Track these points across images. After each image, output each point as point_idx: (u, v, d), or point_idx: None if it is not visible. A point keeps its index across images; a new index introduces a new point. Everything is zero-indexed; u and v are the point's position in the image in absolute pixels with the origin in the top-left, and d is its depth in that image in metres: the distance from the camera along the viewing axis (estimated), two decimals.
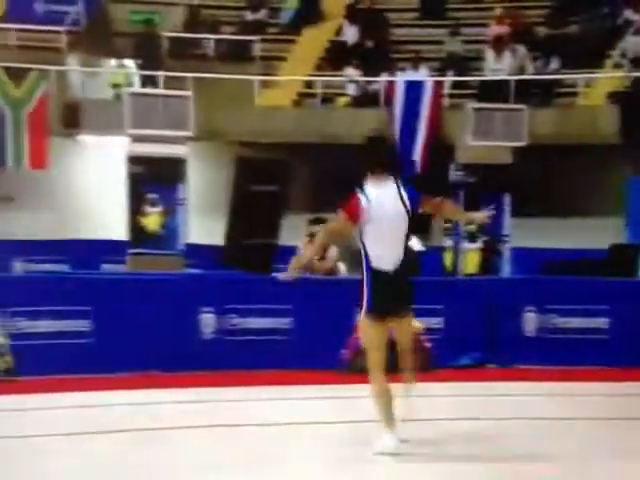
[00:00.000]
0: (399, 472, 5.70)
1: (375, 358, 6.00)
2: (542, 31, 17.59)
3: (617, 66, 16.25)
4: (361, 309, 5.95)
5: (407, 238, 5.88)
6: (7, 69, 14.04)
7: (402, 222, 5.82)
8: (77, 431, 6.53)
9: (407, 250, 5.89)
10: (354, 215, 5.79)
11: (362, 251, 5.84)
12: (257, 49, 17.25)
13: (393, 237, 5.80)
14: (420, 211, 5.93)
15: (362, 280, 5.88)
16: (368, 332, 5.98)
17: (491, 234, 11.73)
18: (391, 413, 5.90)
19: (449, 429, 6.77)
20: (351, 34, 17.72)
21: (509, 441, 6.44)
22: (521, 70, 16.34)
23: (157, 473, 5.53)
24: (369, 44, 17.45)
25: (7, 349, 8.28)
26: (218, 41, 17.46)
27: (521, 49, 16.68)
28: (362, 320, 6.02)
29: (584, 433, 6.70)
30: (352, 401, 7.61)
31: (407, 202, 5.81)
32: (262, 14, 18.42)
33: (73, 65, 16.68)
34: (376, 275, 5.80)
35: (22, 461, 5.81)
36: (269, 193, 12.20)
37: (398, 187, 5.86)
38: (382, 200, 5.78)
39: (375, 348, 5.98)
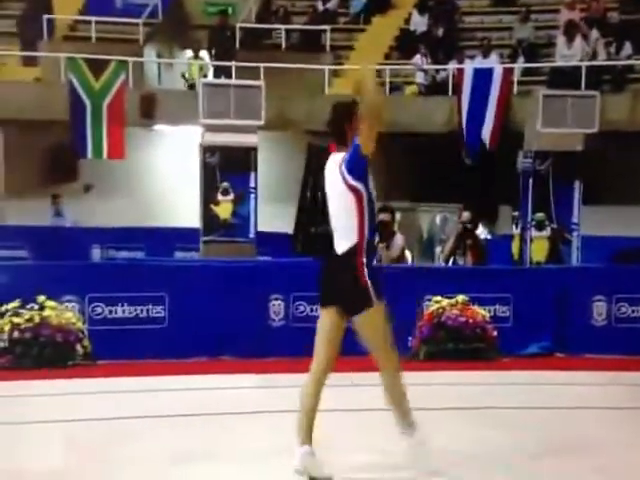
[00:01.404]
0: (458, 457, 5.59)
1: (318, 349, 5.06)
2: (615, 17, 17.22)
3: None
4: None
5: (358, 218, 4.83)
6: (87, 61, 14.24)
7: (341, 198, 4.85)
8: (151, 414, 6.60)
9: (362, 236, 4.85)
10: None
11: None
12: (328, 39, 17.22)
13: (334, 217, 4.94)
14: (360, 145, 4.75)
15: None
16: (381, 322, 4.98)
17: (560, 222, 11.51)
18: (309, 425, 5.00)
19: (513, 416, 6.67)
20: (420, 23, 17.59)
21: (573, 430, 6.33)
22: (593, 56, 16.02)
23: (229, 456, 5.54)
24: (438, 32, 17.29)
25: (85, 334, 8.38)
26: (289, 31, 17.49)
27: (594, 34, 16.32)
28: None
29: None
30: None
31: (343, 169, 4.80)
32: (332, 4, 18.40)
33: (150, 57, 16.84)
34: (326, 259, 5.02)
35: (108, 443, 5.87)
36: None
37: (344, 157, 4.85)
38: (327, 174, 4.97)
39: (319, 338, 5.04)
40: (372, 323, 4.88)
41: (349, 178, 4.78)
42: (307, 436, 4.91)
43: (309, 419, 4.94)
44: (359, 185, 4.80)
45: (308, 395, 4.98)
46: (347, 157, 4.80)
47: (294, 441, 4.96)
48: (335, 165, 4.86)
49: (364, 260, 4.84)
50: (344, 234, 4.87)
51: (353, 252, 4.84)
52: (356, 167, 4.77)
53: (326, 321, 4.98)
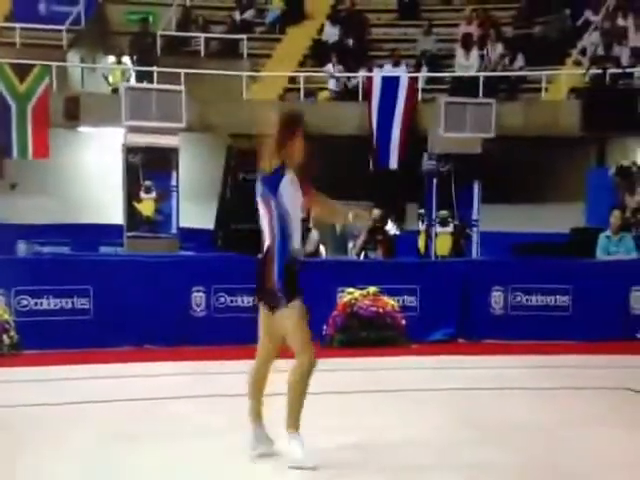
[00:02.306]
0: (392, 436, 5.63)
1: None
2: (508, 31, 17.59)
3: (577, 63, 16.29)
4: None
5: (269, 224, 4.82)
6: (12, 65, 13.94)
7: (260, 205, 4.86)
8: (75, 400, 6.47)
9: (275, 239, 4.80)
10: None
11: None
12: (245, 47, 17.19)
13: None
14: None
15: None
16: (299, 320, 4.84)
17: (461, 219, 11.72)
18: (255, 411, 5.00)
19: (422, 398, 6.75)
20: (332, 33, 17.66)
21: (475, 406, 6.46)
22: (490, 66, 16.36)
23: (157, 440, 5.45)
24: (349, 42, 17.41)
25: (12, 326, 8.18)
26: (208, 39, 17.38)
27: (489, 47, 16.67)
28: None
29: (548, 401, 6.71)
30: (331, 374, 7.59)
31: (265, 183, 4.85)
32: (249, 14, 18.32)
33: (73, 61, 16.55)
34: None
35: (36, 428, 5.72)
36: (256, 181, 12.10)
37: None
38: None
39: (259, 330, 4.98)
40: (285, 322, 4.78)
41: (262, 189, 4.89)
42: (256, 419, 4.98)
43: (259, 403, 4.98)
44: (270, 195, 4.82)
45: (256, 381, 4.99)
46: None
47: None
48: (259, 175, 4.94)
49: (275, 263, 4.77)
50: (264, 237, 4.92)
51: (266, 254, 4.84)
52: (269, 180, 4.85)
53: (261, 314, 4.95)
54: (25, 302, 8.51)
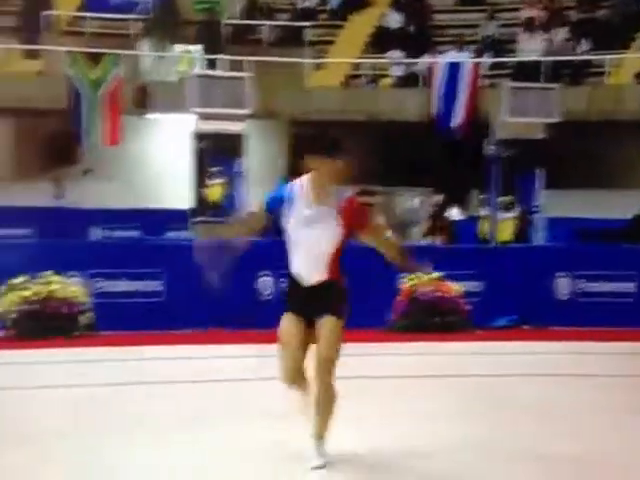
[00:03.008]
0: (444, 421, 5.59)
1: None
2: (573, 15, 17.23)
3: None
4: None
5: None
6: (84, 54, 14.10)
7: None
8: (149, 381, 6.57)
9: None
10: None
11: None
12: (308, 34, 17.11)
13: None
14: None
15: None
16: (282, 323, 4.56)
17: (524, 205, 11.54)
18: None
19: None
20: (395, 20, 17.49)
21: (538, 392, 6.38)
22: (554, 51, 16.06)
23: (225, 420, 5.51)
24: (412, 29, 17.24)
25: (87, 307, 8.34)
26: (273, 27, 17.37)
27: (553, 31, 16.36)
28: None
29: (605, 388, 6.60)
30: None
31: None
32: (313, 2, 18.25)
33: (143, 50, 16.69)
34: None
35: (109, 407, 5.84)
36: None
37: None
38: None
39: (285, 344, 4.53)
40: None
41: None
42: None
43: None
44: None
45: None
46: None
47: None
48: None
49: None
50: None
51: None
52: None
53: None
54: (100, 285, 8.67)
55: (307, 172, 4.47)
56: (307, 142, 4.56)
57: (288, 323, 4.50)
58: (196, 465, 4.57)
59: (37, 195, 14.28)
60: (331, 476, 4.36)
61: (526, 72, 15.16)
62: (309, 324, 4.49)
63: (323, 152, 4.43)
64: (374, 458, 4.73)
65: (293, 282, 4.52)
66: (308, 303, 4.46)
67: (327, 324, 4.44)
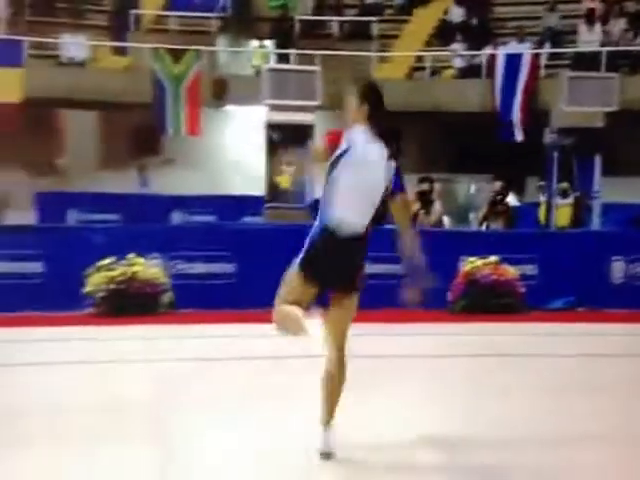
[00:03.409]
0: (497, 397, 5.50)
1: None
2: (632, 6, 16.66)
3: None
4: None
5: (377, 212, 4.22)
6: (168, 50, 14.25)
7: (378, 190, 4.20)
8: (226, 357, 6.61)
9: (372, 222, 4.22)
10: (332, 145, 4.23)
11: (323, 197, 4.22)
12: (375, 29, 16.96)
13: (365, 198, 4.18)
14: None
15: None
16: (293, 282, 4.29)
17: (582, 191, 11.25)
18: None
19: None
20: (458, 13, 17.20)
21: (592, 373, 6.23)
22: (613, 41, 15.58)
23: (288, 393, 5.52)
24: (474, 22, 16.93)
25: (169, 287, 8.44)
26: (341, 22, 17.28)
27: (612, 22, 15.87)
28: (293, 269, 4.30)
29: None
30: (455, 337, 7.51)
31: (389, 175, 4.21)
32: None
33: (221, 46, 16.78)
34: (326, 231, 4.16)
35: (189, 380, 5.90)
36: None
37: (387, 155, 4.23)
38: (367, 151, 4.19)
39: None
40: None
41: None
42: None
43: None
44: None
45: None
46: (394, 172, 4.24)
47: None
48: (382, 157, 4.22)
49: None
50: None
51: None
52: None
53: None
54: (179, 266, 8.76)
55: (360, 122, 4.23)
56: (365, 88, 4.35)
57: (299, 286, 4.20)
58: (267, 440, 4.56)
59: (124, 183, 14.48)
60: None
61: (585, 62, 14.74)
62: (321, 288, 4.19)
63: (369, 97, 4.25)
64: (459, 431, 4.70)
65: (324, 236, 4.13)
66: (333, 265, 4.13)
67: (353, 303, 4.22)
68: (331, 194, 4.16)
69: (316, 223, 4.21)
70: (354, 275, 4.23)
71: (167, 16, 17.07)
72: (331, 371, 4.26)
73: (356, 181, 4.13)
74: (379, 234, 4.42)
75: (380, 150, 4.21)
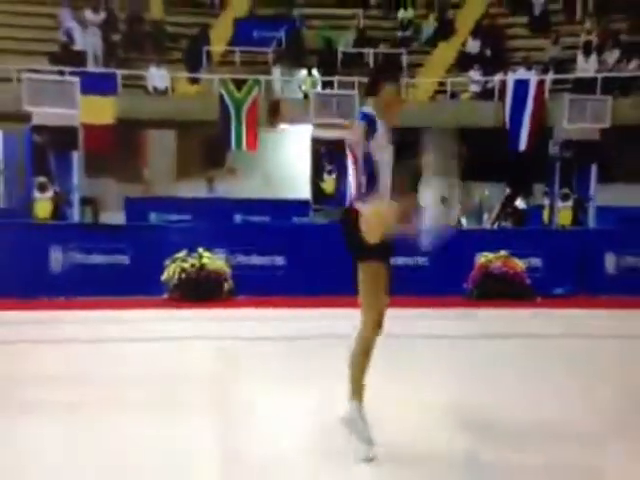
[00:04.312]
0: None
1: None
2: (624, 38, 16.14)
3: None
4: None
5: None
6: (232, 79, 14.23)
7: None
8: (279, 337, 6.49)
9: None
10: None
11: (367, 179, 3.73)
12: (405, 59, 16.72)
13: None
14: None
15: None
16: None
17: (580, 195, 10.91)
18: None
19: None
20: (474, 46, 16.85)
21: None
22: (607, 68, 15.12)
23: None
24: (488, 52, 16.57)
25: (229, 276, 8.37)
26: (376, 54, 17.06)
27: (607, 53, 15.41)
28: None
29: None
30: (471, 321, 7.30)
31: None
32: (409, 32, 17.77)
33: (276, 75, 16.72)
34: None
35: (249, 357, 5.78)
36: (411, 163, 11.83)
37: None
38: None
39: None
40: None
41: None
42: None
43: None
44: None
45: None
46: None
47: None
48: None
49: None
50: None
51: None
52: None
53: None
54: (239, 259, 8.68)
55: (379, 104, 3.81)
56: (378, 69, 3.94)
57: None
58: (315, 409, 4.43)
59: (195, 188, 14.54)
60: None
61: (583, 86, 14.37)
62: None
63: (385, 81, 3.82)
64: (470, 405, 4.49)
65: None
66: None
67: (362, 272, 3.73)
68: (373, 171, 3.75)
69: None
70: (355, 244, 3.73)
71: (232, 51, 17.04)
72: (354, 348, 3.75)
73: (385, 160, 3.81)
74: None
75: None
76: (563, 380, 5.18)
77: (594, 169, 10.99)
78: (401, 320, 6.77)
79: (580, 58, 15.67)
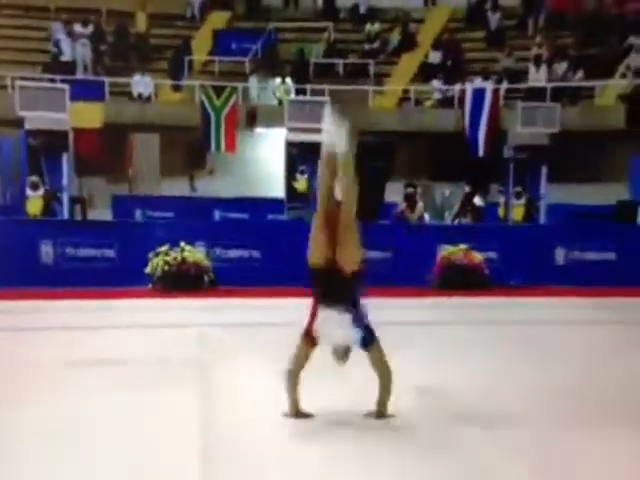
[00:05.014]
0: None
1: None
2: (572, 52, 16.35)
3: (623, 76, 15.00)
4: None
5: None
6: (212, 87, 14.10)
7: None
8: (256, 323, 6.44)
9: None
10: None
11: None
12: (372, 69, 16.71)
13: None
14: None
15: None
16: None
17: (532, 194, 10.99)
18: None
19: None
20: (435, 57, 16.91)
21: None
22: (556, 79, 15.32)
23: None
24: (449, 63, 16.65)
25: (209, 268, 8.27)
26: (345, 64, 17.03)
27: (556, 65, 15.63)
28: None
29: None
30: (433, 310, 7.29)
31: None
32: (375, 45, 17.76)
33: (253, 83, 16.60)
34: None
35: (232, 339, 5.76)
36: (379, 166, 11.80)
37: None
38: None
39: None
40: None
41: None
42: None
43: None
44: None
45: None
46: None
47: None
48: None
49: None
50: None
51: None
52: None
53: None
54: (218, 252, 8.57)
55: None
56: None
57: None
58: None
59: (177, 188, 14.37)
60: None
61: (534, 95, 14.51)
62: None
63: None
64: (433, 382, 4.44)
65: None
66: None
67: None
68: None
69: None
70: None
71: (212, 61, 16.91)
72: None
73: None
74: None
75: None
76: (519, 363, 5.18)
77: (544, 170, 11.09)
78: (370, 309, 6.75)
79: (532, 69, 15.84)
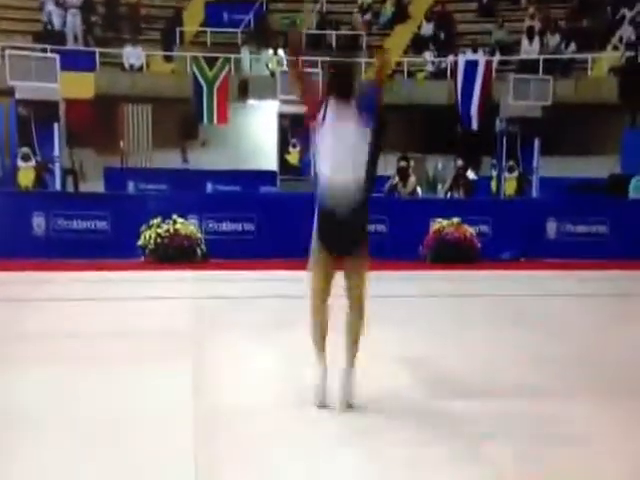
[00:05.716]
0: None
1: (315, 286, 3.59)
2: (564, 24, 16.08)
3: (615, 48, 14.76)
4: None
5: (369, 162, 3.54)
6: (204, 58, 13.79)
7: (361, 141, 3.52)
8: (250, 295, 6.31)
9: (368, 177, 3.51)
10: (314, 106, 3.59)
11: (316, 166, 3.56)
12: (364, 41, 16.39)
13: (350, 155, 3.48)
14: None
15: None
16: (314, 256, 3.60)
17: (524, 167, 10.83)
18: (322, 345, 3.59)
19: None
20: (428, 29, 16.59)
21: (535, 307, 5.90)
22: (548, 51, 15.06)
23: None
24: (441, 35, 16.34)
25: (202, 241, 8.12)
26: (338, 36, 16.70)
27: (549, 36, 15.36)
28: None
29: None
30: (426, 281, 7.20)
31: (363, 118, 3.53)
32: (368, 17, 17.40)
33: (245, 54, 16.28)
34: (325, 201, 3.51)
35: (222, 311, 5.65)
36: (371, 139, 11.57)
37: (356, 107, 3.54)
38: (341, 116, 3.52)
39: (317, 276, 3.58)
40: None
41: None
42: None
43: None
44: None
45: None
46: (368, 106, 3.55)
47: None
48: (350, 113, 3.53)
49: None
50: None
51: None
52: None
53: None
54: (211, 225, 8.42)
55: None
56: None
57: (321, 261, 3.56)
58: (285, 362, 4.28)
59: (169, 160, 14.14)
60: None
61: (527, 67, 14.29)
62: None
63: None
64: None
65: (325, 215, 3.47)
66: (338, 236, 3.50)
67: (363, 266, 3.58)
68: (319, 156, 3.51)
69: (318, 192, 3.53)
70: (358, 241, 3.57)
71: (204, 32, 16.55)
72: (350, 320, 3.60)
73: (335, 142, 3.45)
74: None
75: (351, 115, 3.54)
76: (510, 334, 5.11)
77: (537, 143, 10.89)
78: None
79: (524, 41, 15.56)
